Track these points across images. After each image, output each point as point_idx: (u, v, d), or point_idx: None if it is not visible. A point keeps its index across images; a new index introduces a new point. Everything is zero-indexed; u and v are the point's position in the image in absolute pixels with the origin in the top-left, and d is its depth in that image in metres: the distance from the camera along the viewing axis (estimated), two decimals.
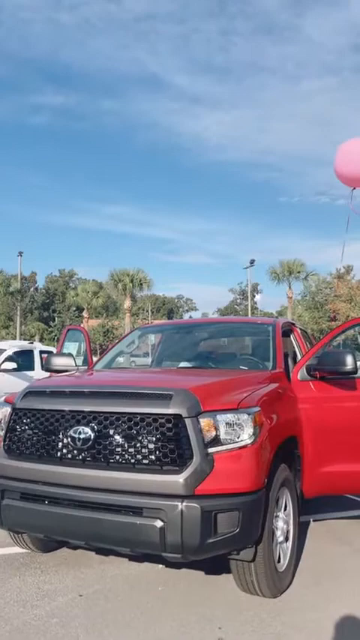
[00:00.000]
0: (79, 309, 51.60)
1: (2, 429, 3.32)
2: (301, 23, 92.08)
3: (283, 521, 3.31)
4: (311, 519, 4.51)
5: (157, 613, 2.99)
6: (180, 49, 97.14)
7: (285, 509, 3.38)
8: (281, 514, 3.32)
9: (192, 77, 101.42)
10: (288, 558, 3.34)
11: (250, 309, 52.27)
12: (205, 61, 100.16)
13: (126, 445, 2.87)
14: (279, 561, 3.23)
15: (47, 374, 4.94)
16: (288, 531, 3.39)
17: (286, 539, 3.37)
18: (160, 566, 3.54)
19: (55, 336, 49.10)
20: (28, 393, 3.33)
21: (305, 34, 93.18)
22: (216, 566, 3.39)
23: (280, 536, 3.27)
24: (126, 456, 2.86)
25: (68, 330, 6.23)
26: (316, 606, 3.07)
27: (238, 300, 70.39)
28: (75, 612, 2.98)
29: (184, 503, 2.68)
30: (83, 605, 3.07)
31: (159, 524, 2.68)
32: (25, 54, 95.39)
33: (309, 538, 4.14)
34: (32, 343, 13.97)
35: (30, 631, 2.79)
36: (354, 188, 6.56)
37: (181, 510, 2.67)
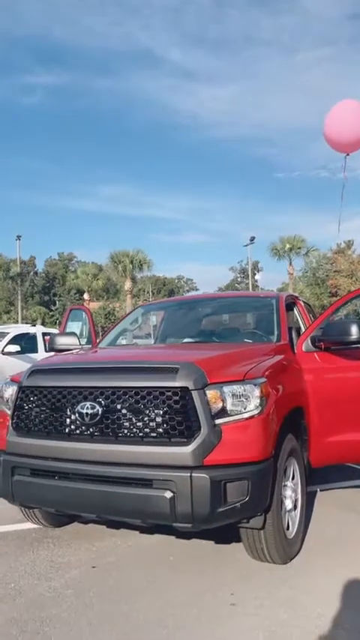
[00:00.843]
0: (80, 292, 51.51)
1: (10, 408, 3.34)
2: None
3: (291, 490, 3.35)
4: (318, 489, 4.57)
5: (170, 581, 3.04)
6: (174, 23, 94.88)
7: (293, 479, 3.42)
8: (289, 483, 3.35)
9: (187, 52, 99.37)
10: (297, 526, 3.39)
11: (251, 287, 52.11)
12: (199, 35, 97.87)
13: (134, 419, 2.88)
14: (288, 529, 3.27)
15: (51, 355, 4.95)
16: (296, 500, 3.43)
17: (295, 507, 3.41)
18: (171, 537, 3.59)
19: (57, 319, 49.12)
20: (34, 371, 3.34)
21: (301, 5, 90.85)
22: (225, 536, 3.44)
23: (288, 504, 3.31)
24: (134, 429, 2.87)
25: (71, 310, 6.22)
26: (324, 571, 3.12)
27: (239, 279, 70.15)
28: (89, 583, 3.04)
29: (193, 474, 2.70)
30: (97, 576, 3.13)
31: (169, 494, 2.71)
32: (16, 33, 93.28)
33: (317, 506, 4.20)
34: (35, 326, 14.00)
35: (45, 602, 2.84)
36: (348, 154, 6.47)
37: (191, 481, 2.69)
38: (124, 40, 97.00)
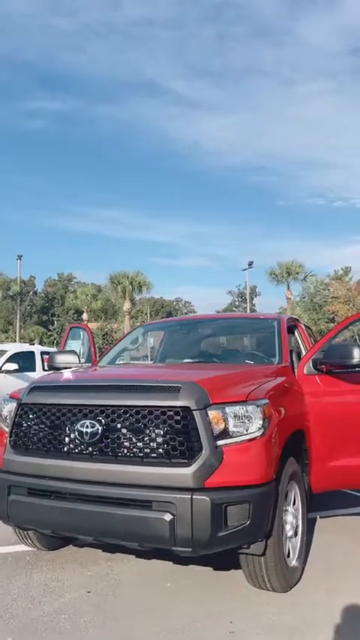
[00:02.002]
0: (79, 313, 51.55)
1: (8, 425, 3.29)
2: (296, 27, 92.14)
3: (292, 516, 3.28)
4: (318, 516, 4.49)
5: (167, 608, 2.95)
6: (177, 54, 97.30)
7: (294, 504, 3.35)
8: (290, 508, 3.29)
9: (189, 82, 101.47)
10: (297, 553, 3.32)
11: (248, 311, 52.21)
12: (202, 66, 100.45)
13: (134, 438, 2.84)
14: (289, 556, 3.20)
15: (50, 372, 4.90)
16: (297, 526, 3.36)
17: (295, 533, 3.34)
18: (168, 562, 3.50)
19: (55, 339, 49.06)
20: (34, 388, 3.30)
21: (301, 38, 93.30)
22: (224, 562, 3.36)
23: (289, 530, 3.24)
24: (134, 449, 2.83)
25: (71, 328, 6.18)
26: (325, 600, 3.04)
27: (237, 303, 70.33)
28: (83, 608, 2.95)
29: (194, 496, 2.65)
30: (92, 601, 3.04)
31: (168, 517, 2.65)
32: (21, 59, 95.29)
33: (317, 533, 4.11)
34: (33, 345, 13.95)
35: (39, 627, 2.75)
36: None
37: (191, 503, 2.64)
38: (127, 69, 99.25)
